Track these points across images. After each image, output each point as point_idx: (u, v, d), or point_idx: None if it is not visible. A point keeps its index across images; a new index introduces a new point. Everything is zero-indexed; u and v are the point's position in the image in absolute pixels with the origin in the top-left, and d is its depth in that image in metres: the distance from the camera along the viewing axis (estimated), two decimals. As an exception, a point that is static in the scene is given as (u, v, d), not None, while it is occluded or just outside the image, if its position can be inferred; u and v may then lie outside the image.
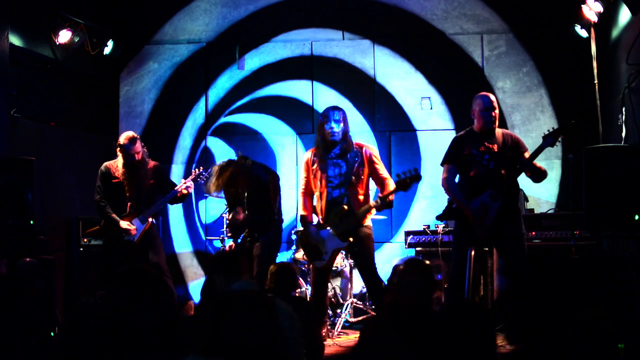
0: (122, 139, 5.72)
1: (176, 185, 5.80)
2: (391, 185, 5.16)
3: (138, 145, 5.70)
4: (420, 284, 3.24)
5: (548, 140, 4.85)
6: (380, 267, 7.01)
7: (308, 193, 5.39)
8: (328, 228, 5.21)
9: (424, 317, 3.02)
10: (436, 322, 2.62)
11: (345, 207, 5.14)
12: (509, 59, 7.24)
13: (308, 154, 5.40)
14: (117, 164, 5.73)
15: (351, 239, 5.16)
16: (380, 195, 5.15)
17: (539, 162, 5.08)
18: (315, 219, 5.45)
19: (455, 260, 5.03)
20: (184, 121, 7.69)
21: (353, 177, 5.17)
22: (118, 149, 5.74)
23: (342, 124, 5.20)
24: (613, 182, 4.61)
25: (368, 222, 5.25)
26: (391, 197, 5.13)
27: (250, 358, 2.67)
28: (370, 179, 5.32)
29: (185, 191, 5.76)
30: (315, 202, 5.38)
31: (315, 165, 5.28)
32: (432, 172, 6.39)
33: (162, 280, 2.87)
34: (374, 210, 5.23)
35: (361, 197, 5.23)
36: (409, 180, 4.98)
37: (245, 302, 2.85)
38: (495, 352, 2.74)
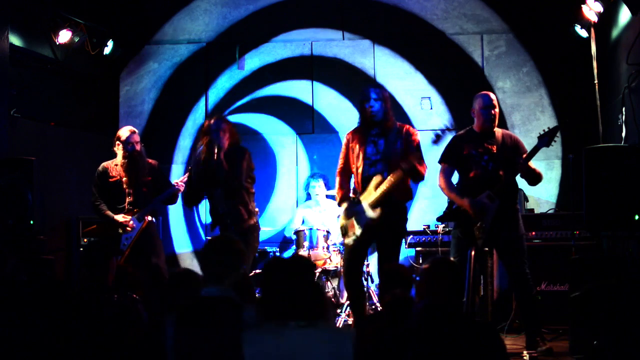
0: (122, 131, 5.71)
1: (172, 185, 5.79)
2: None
3: (137, 136, 5.71)
4: (448, 285, 3.10)
5: (543, 140, 4.84)
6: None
7: (345, 172, 5.23)
8: (363, 202, 5.01)
9: (451, 320, 2.90)
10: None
11: (379, 177, 4.93)
12: (509, 59, 7.25)
13: (349, 134, 5.24)
14: (115, 163, 5.72)
15: (379, 210, 4.90)
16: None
17: (538, 162, 5.08)
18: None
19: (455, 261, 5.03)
20: (184, 121, 7.69)
21: (391, 156, 5.00)
22: (117, 143, 5.68)
23: (382, 102, 5.02)
24: (613, 182, 4.61)
25: (404, 198, 5.06)
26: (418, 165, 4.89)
27: None
28: None
29: (181, 187, 5.72)
30: (352, 179, 5.19)
31: (355, 142, 5.13)
32: (432, 172, 6.37)
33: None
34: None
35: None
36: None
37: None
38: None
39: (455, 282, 3.11)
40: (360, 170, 5.05)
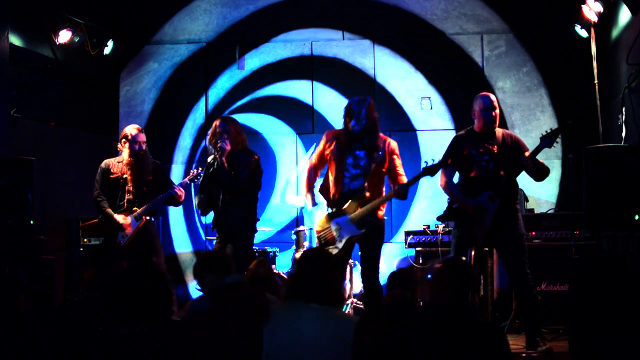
0: (130, 129, 5.69)
1: (174, 185, 5.78)
2: (404, 180, 5.07)
3: (144, 136, 5.70)
4: (457, 284, 3.05)
5: (545, 140, 4.85)
6: (380, 266, 7.01)
7: (316, 172, 5.26)
8: (346, 215, 5.04)
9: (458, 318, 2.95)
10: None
11: (368, 194, 5.00)
12: (509, 59, 7.25)
13: (333, 133, 5.22)
14: (118, 160, 5.72)
15: (364, 227, 5.01)
16: (400, 182, 5.02)
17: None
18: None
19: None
20: (184, 121, 7.69)
21: (373, 168, 5.02)
22: (123, 141, 5.66)
23: (365, 119, 5.00)
24: (613, 182, 4.61)
25: (382, 213, 5.13)
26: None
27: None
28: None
29: (180, 192, 5.72)
30: (330, 186, 5.16)
31: (334, 148, 5.11)
32: (432, 172, 6.38)
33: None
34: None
35: (377, 190, 5.09)
36: (436, 167, 4.91)
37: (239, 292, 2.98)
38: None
39: (468, 283, 3.12)
40: (339, 181, 5.06)
